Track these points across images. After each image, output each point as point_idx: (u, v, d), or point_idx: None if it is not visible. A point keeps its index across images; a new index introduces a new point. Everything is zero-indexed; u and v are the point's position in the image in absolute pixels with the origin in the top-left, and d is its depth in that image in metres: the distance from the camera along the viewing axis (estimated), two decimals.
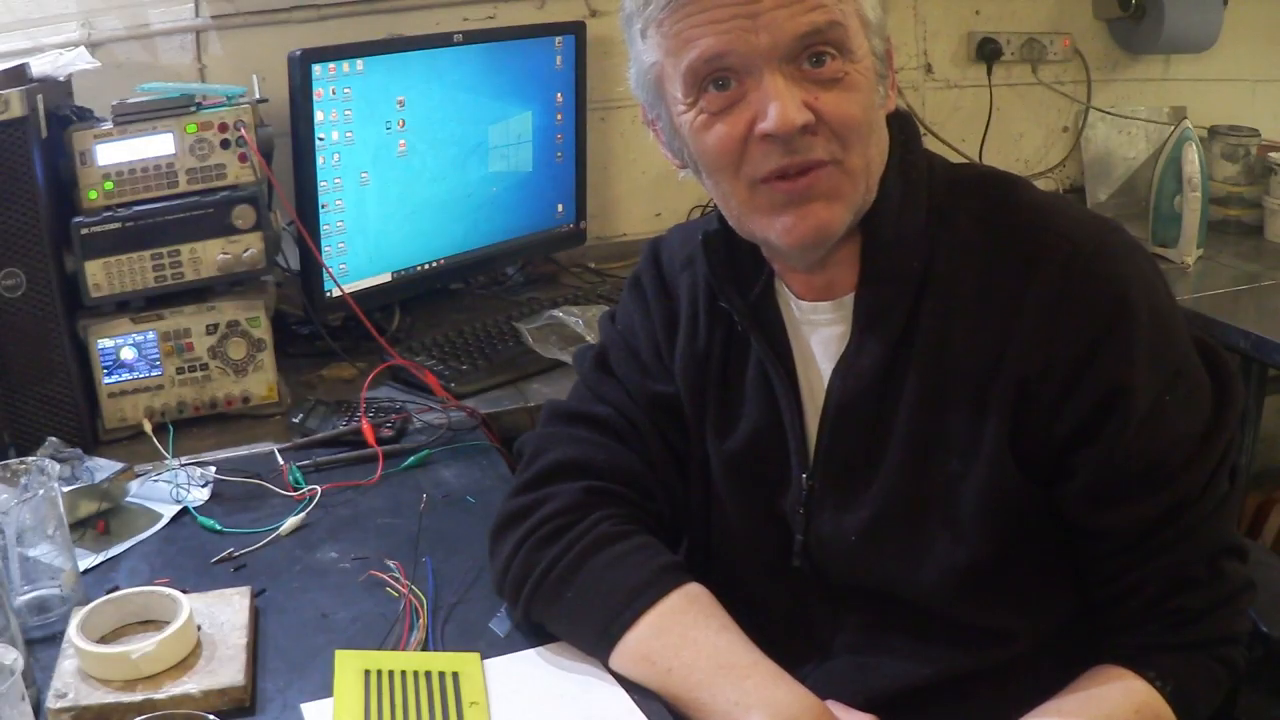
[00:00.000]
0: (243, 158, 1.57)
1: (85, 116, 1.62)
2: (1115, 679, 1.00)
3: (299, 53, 1.69)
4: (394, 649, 1.09)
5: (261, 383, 1.63)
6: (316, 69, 1.70)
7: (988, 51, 2.46)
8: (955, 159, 1.61)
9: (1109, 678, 1.00)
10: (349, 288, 1.79)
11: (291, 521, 1.32)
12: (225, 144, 1.56)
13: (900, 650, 1.07)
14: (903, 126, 1.06)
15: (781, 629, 1.12)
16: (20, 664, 0.89)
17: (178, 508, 1.37)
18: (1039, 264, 0.98)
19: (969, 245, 1.02)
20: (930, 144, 1.09)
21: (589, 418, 1.19)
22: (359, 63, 1.76)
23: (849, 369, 1.06)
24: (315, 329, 1.79)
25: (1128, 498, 0.99)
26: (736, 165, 0.99)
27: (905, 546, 1.05)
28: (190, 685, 1.00)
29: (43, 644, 1.10)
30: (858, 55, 0.97)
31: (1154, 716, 0.98)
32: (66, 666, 1.02)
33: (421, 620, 1.13)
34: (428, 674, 1.03)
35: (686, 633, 1.03)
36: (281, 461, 1.47)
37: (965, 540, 1.02)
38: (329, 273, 1.76)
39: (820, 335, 1.09)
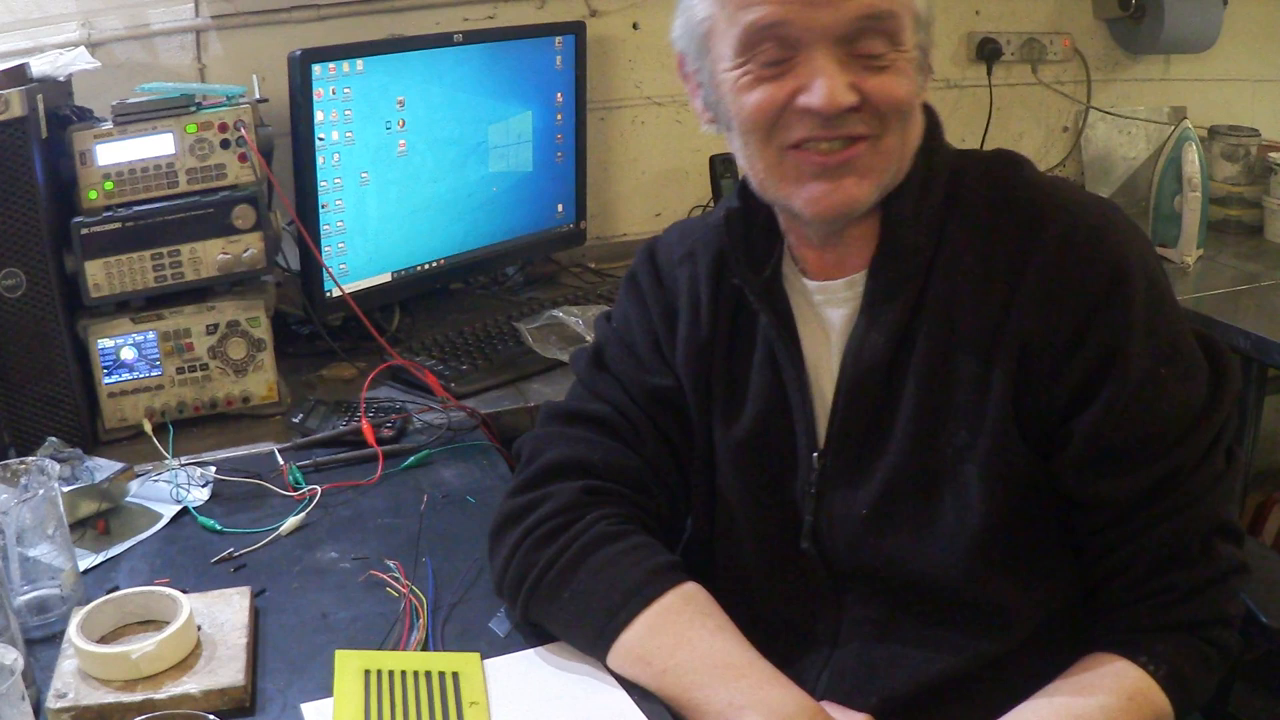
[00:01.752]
0: (243, 158, 1.57)
1: (85, 116, 1.63)
2: (1107, 665, 1.01)
3: (299, 53, 1.69)
4: (394, 649, 1.09)
5: (261, 383, 1.63)
6: (316, 69, 1.70)
7: (988, 51, 2.46)
8: None
9: (1101, 664, 1.01)
10: (349, 288, 1.79)
11: (291, 521, 1.32)
12: (225, 144, 1.56)
13: (906, 637, 1.08)
14: (929, 115, 1.09)
15: (786, 621, 1.13)
16: (20, 664, 0.89)
17: (178, 508, 1.37)
18: (1041, 233, 1.01)
19: (975, 221, 1.04)
20: None
21: (586, 416, 1.19)
22: (359, 63, 1.76)
23: (861, 345, 1.07)
24: (315, 329, 1.79)
25: (1122, 467, 1.01)
26: (770, 129, 1.01)
27: (913, 520, 1.06)
28: (190, 685, 1.00)
29: (43, 644, 1.10)
30: (906, 46, 1.00)
31: (1146, 701, 0.99)
32: (66, 666, 1.02)
33: (421, 620, 1.13)
34: (428, 674, 1.03)
35: (682, 633, 1.03)
36: (281, 461, 1.47)
37: (971, 513, 1.03)
38: (329, 273, 1.76)
39: (830, 313, 1.10)
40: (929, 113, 1.09)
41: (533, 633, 1.11)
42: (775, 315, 1.12)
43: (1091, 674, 1.01)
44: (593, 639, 1.06)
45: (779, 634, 1.09)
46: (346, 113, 1.76)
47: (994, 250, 1.02)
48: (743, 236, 1.13)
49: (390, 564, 1.23)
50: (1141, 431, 1.00)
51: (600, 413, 1.19)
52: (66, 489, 1.28)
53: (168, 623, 1.04)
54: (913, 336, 1.05)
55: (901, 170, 1.04)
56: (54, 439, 1.41)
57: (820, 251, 1.10)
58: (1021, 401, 1.01)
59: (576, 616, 1.07)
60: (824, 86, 0.96)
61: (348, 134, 1.77)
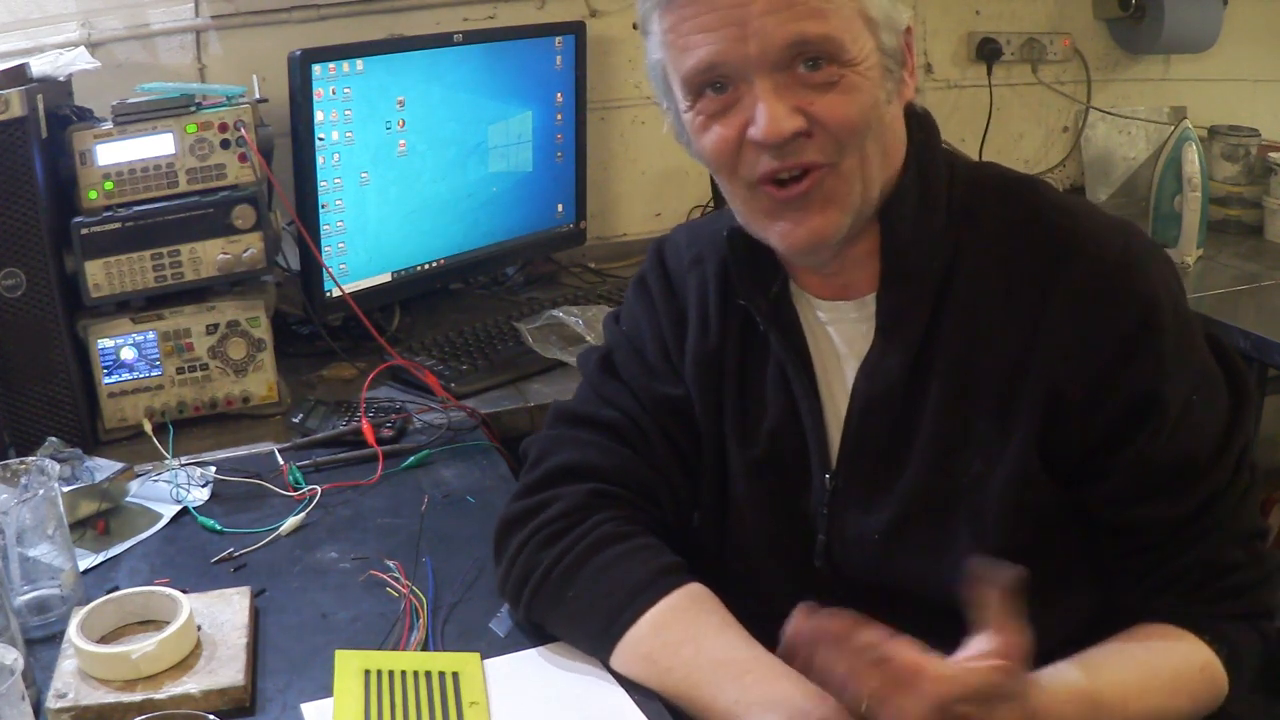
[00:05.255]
0: (243, 158, 1.57)
1: (85, 116, 1.63)
2: (1177, 638, 1.01)
3: (299, 53, 1.69)
4: (394, 649, 1.09)
5: (261, 383, 1.63)
6: (316, 69, 1.70)
7: (988, 51, 2.46)
8: None
9: (1171, 635, 1.01)
10: (349, 288, 1.79)
11: (291, 521, 1.32)
12: (225, 144, 1.56)
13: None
14: (922, 125, 1.06)
15: None
16: (20, 664, 0.89)
17: (178, 508, 1.37)
18: (1065, 265, 0.99)
19: (992, 246, 1.02)
20: None
21: (595, 421, 1.18)
22: (359, 63, 1.76)
23: (874, 369, 1.06)
24: (315, 329, 1.79)
25: (1161, 495, 1.01)
26: (733, 166, 1.00)
27: (928, 545, 1.05)
28: (190, 685, 1.00)
29: (43, 644, 1.10)
30: (858, 58, 0.96)
31: (1216, 677, 1.00)
32: (66, 666, 1.02)
33: (421, 620, 1.13)
34: (428, 674, 1.03)
35: (687, 631, 1.03)
36: (281, 461, 1.47)
37: (987, 539, 1.03)
38: (329, 273, 1.76)
39: (842, 333, 1.09)
40: (922, 117, 1.06)
41: (534, 632, 1.11)
42: (784, 337, 1.10)
43: (1163, 642, 1.01)
44: (596, 636, 1.05)
45: None
46: (346, 113, 1.76)
47: (1015, 278, 1.01)
48: (747, 256, 1.10)
49: (390, 564, 1.23)
50: (1179, 461, 1.00)
51: (610, 418, 1.18)
52: (66, 489, 1.28)
53: (168, 623, 1.04)
54: (929, 361, 1.03)
55: (872, 189, 1.01)
56: (54, 439, 1.41)
57: (822, 278, 1.09)
58: (1047, 437, 1.01)
59: (580, 615, 1.07)
60: (764, 116, 0.95)
61: (348, 134, 1.77)
